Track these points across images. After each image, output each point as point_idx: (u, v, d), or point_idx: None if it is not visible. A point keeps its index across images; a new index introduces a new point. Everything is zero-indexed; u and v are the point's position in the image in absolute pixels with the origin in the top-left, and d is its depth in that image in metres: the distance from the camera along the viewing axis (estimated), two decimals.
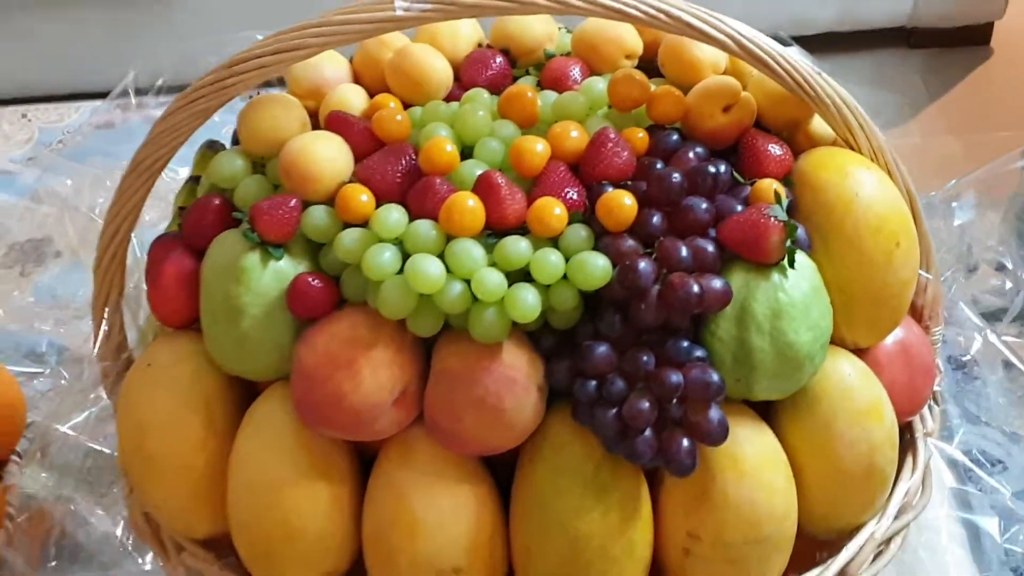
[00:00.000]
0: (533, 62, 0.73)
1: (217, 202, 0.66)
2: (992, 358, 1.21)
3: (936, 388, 0.74)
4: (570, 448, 0.62)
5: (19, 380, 0.93)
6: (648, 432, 0.60)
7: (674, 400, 0.60)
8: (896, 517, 0.69)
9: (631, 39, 0.72)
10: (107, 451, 0.90)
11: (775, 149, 0.66)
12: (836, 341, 0.66)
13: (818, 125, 0.69)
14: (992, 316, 1.51)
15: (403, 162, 0.64)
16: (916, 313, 0.72)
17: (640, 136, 0.65)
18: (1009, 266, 1.63)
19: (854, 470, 0.65)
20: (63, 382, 0.95)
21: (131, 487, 0.71)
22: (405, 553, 0.63)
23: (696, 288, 0.59)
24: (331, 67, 0.71)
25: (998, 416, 1.11)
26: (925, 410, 0.73)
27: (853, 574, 0.67)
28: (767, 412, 0.65)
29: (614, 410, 0.60)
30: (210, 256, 0.65)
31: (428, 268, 0.59)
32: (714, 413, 0.60)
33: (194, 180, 0.73)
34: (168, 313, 0.67)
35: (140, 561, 0.85)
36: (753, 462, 0.63)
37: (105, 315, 0.72)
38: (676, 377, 0.59)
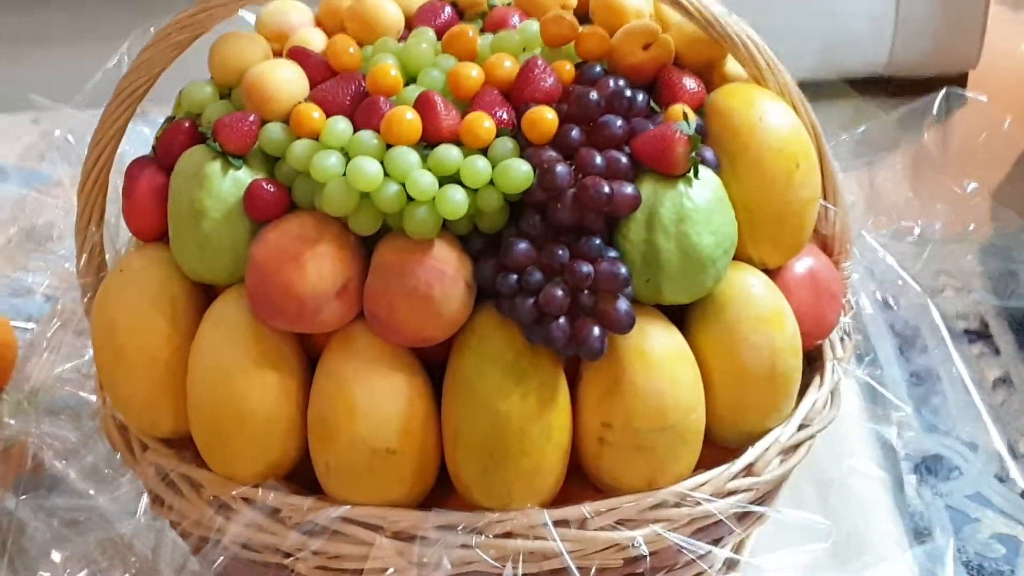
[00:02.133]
0: (479, 14, 0.81)
1: (187, 124, 0.74)
2: (953, 375, 1.27)
3: (847, 320, 0.80)
4: (494, 338, 0.69)
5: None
6: (562, 320, 0.67)
7: (585, 291, 0.67)
8: (801, 428, 0.75)
9: None
10: (93, 398, 0.97)
11: (689, 82, 0.73)
12: (744, 259, 0.73)
13: (732, 68, 0.76)
14: (955, 336, 1.57)
15: (352, 87, 0.72)
16: (827, 247, 0.79)
17: (568, 68, 0.72)
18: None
19: (757, 372, 0.72)
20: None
21: (104, 385, 0.77)
22: (343, 433, 0.69)
23: (607, 188, 0.66)
24: (296, 15, 0.79)
25: (956, 426, 1.18)
26: (836, 339, 0.80)
27: (759, 474, 0.73)
28: (678, 321, 0.72)
29: (532, 299, 0.67)
30: (178, 167, 0.72)
31: (367, 168, 0.66)
32: (622, 303, 0.67)
33: (170, 119, 0.81)
34: (141, 225, 0.75)
35: (116, 493, 0.92)
36: (660, 355, 0.69)
37: (87, 236, 0.79)
38: (587, 268, 0.66)
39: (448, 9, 0.79)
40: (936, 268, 1.83)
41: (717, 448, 0.74)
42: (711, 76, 0.76)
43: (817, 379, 0.77)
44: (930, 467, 1.08)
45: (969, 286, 1.79)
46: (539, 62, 0.71)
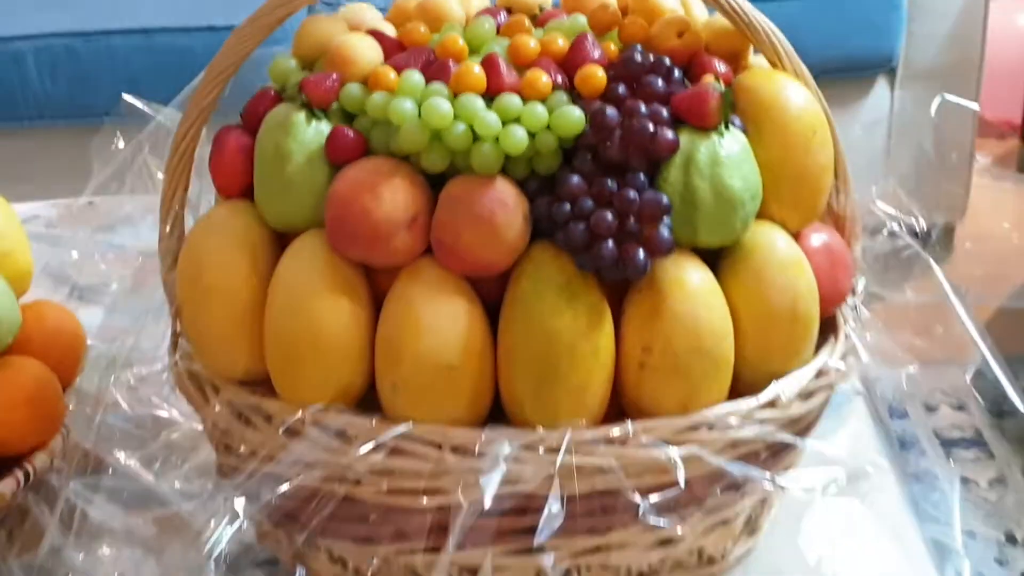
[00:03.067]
0: (531, 16, 0.91)
1: (273, 92, 0.83)
2: (951, 475, 1.35)
3: (858, 299, 0.89)
4: (548, 265, 0.77)
5: None
6: (610, 242, 0.75)
7: (631, 217, 0.75)
8: (819, 376, 0.82)
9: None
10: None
11: (719, 65, 0.83)
12: (767, 219, 0.81)
13: (753, 61, 0.86)
14: (950, 443, 1.66)
15: (424, 56, 0.82)
16: (838, 227, 0.87)
17: (612, 48, 0.83)
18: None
19: (781, 314, 0.79)
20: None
21: (186, 325, 0.84)
22: (409, 351, 0.76)
23: (651, 128, 0.75)
24: (369, 13, 0.90)
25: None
26: (849, 311, 0.88)
27: (782, 407, 0.80)
28: (710, 267, 0.80)
29: (583, 224, 0.75)
30: (266, 120, 0.81)
31: (441, 106, 0.76)
32: (663, 230, 0.75)
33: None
34: (227, 181, 0.83)
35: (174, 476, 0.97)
36: (696, 286, 0.77)
37: (171, 208, 0.88)
38: (633, 194, 0.75)
39: (504, 13, 0.90)
40: (932, 387, 1.92)
41: (744, 393, 0.81)
42: (736, 66, 0.86)
43: (832, 339, 0.85)
44: None
45: (963, 404, 1.87)
46: (589, 37, 0.81)
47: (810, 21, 1.98)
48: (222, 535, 0.80)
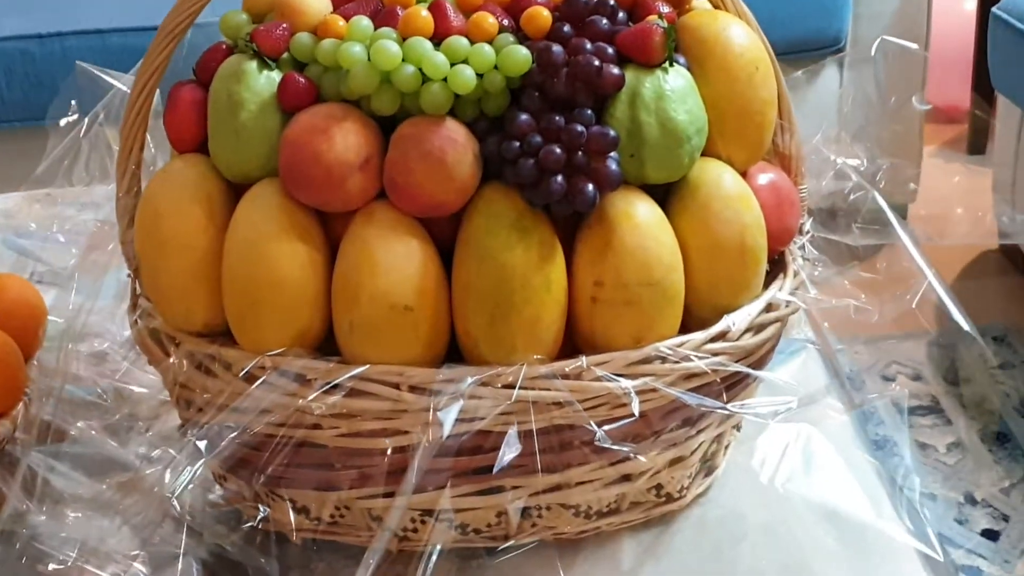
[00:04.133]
0: None
1: (224, 47, 0.84)
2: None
3: (805, 239, 0.90)
4: (499, 202, 0.78)
5: None
6: (559, 177, 0.76)
7: (579, 153, 0.76)
8: (768, 310, 0.84)
9: None
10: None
11: (662, 6, 0.84)
12: (713, 155, 0.83)
13: (698, 4, 0.88)
14: (908, 411, 1.67)
15: (372, 5, 0.83)
16: (784, 167, 0.89)
17: None
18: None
19: (729, 246, 0.81)
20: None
21: (144, 277, 0.85)
22: (366, 291, 0.77)
23: (597, 63, 0.77)
24: None
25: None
26: (797, 249, 0.89)
27: (731, 339, 0.81)
28: (659, 204, 0.81)
29: (532, 160, 0.76)
30: (220, 70, 0.82)
31: (389, 47, 0.77)
32: (611, 163, 0.77)
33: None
34: (181, 135, 0.84)
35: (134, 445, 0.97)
36: (645, 219, 0.79)
37: (127, 168, 0.88)
38: (581, 128, 0.76)
39: None
40: (889, 359, 1.94)
41: (696, 329, 0.82)
42: (679, 10, 0.87)
43: (781, 275, 0.87)
44: None
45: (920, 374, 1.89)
46: None
47: (759, 2, 2.00)
48: (181, 482, 0.81)
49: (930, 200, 2.36)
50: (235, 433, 0.78)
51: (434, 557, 0.76)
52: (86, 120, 1.05)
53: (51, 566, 0.87)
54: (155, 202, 0.83)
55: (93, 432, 0.99)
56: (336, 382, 0.77)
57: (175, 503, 0.89)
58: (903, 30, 2.20)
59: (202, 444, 0.78)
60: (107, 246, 1.01)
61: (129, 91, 0.91)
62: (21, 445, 0.94)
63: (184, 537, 0.87)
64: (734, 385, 0.83)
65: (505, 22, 0.81)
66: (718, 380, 0.80)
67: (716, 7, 0.85)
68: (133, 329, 0.89)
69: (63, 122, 1.06)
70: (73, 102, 1.04)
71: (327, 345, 0.81)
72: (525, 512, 0.83)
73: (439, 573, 0.80)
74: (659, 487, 0.86)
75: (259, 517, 0.84)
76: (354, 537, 0.85)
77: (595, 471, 0.82)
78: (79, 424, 0.99)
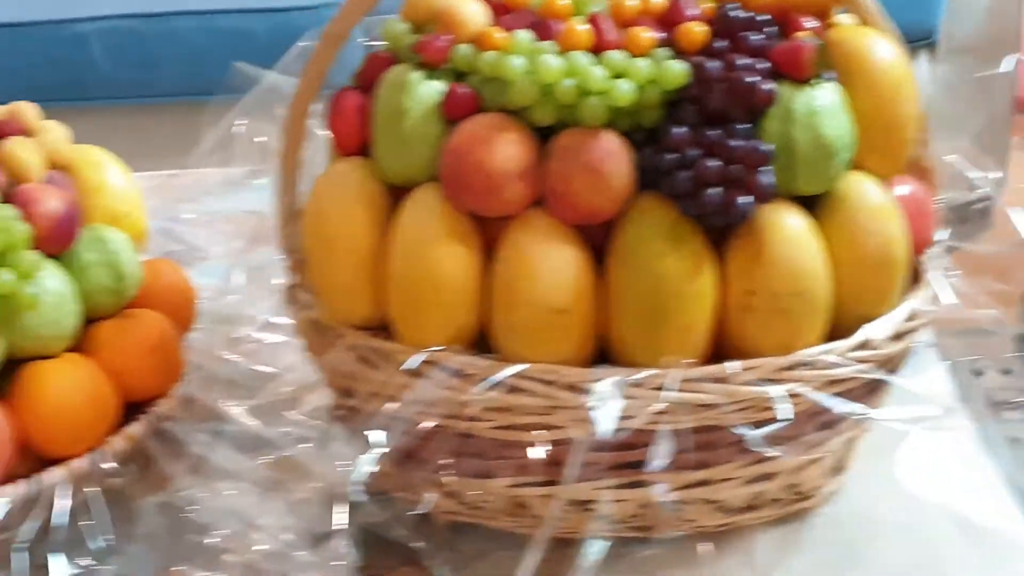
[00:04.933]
0: None
1: (387, 55, 0.88)
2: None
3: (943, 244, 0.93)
4: (653, 212, 0.81)
5: None
6: (715, 189, 0.79)
7: (735, 166, 0.79)
8: (909, 320, 0.87)
9: None
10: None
11: (809, 22, 0.87)
12: (859, 168, 0.86)
13: (841, 19, 0.90)
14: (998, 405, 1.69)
15: (529, 18, 0.86)
16: (921, 178, 0.91)
17: (709, 6, 0.87)
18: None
19: (875, 256, 0.84)
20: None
21: (312, 273, 0.89)
22: (524, 293, 0.81)
23: (752, 79, 0.80)
24: None
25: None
26: (932, 259, 0.92)
27: (874, 348, 0.84)
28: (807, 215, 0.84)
29: (689, 172, 0.79)
30: (384, 79, 0.86)
31: (551, 62, 0.80)
32: (765, 176, 0.80)
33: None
34: (345, 139, 0.88)
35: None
36: (794, 230, 0.82)
37: (287, 167, 0.92)
38: (736, 143, 0.79)
39: None
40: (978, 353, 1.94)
41: (838, 336, 0.85)
42: (823, 23, 0.90)
43: (918, 284, 0.89)
44: None
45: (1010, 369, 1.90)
46: None
47: None
48: (351, 471, 0.85)
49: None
50: (404, 424, 0.82)
51: (595, 546, 0.80)
52: (233, 110, 1.09)
53: (214, 538, 0.92)
54: (322, 203, 0.87)
55: (241, 411, 1.04)
56: (496, 379, 0.81)
57: (328, 482, 0.94)
58: (995, 23, 2.20)
59: (375, 434, 0.82)
60: (247, 233, 1.06)
61: (270, 85, 0.95)
62: (180, 423, 0.99)
63: (336, 515, 0.92)
64: (872, 391, 0.85)
65: (659, 35, 0.84)
66: (859, 386, 0.83)
67: (861, 23, 0.87)
68: (293, 318, 0.93)
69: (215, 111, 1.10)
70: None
71: (478, 340, 0.85)
72: (668, 506, 0.86)
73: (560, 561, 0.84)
74: (794, 485, 0.89)
75: (418, 503, 0.87)
76: (499, 521, 0.89)
77: (737, 469, 0.85)
78: (230, 403, 1.04)
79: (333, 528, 0.91)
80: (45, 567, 0.89)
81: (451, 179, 0.82)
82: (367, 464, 0.83)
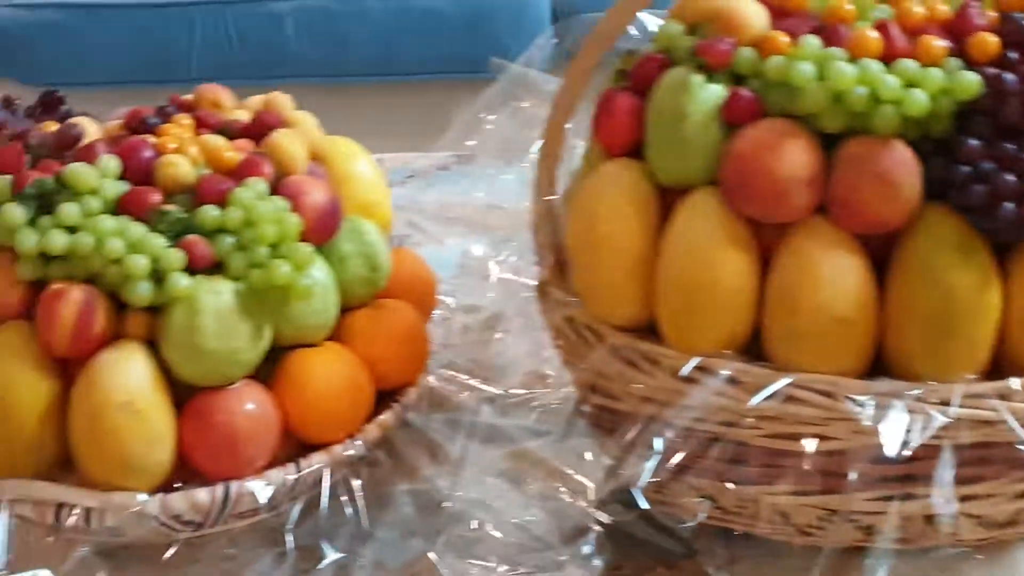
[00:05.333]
0: None
1: (660, 56, 0.88)
2: None
3: None
4: (942, 224, 0.80)
5: None
6: (1011, 204, 0.78)
7: None
8: None
9: None
10: None
11: None
12: None
13: None
14: None
15: (812, 22, 0.85)
16: None
17: (994, 15, 0.85)
18: None
19: None
20: None
21: (577, 272, 0.89)
22: (807, 301, 0.80)
23: None
24: None
25: None
26: None
27: None
28: None
29: (983, 186, 0.78)
30: (663, 82, 0.85)
31: (844, 69, 0.79)
32: None
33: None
34: (616, 139, 0.88)
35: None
36: None
37: (546, 164, 0.93)
38: None
39: None
40: None
41: None
42: None
43: None
44: None
45: None
46: (973, 4, 0.84)
47: None
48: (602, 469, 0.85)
49: None
50: (675, 430, 0.82)
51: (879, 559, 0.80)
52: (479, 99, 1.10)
53: (464, 528, 0.93)
54: (592, 204, 0.87)
55: (479, 402, 1.05)
56: (773, 388, 0.81)
57: (576, 478, 0.95)
58: None
59: (654, 440, 0.82)
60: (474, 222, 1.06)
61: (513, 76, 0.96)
62: (421, 413, 1.00)
63: (589, 512, 0.93)
64: None
65: (949, 44, 0.82)
66: None
67: None
68: (546, 316, 0.94)
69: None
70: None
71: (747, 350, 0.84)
72: (929, 518, 0.86)
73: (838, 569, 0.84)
74: None
75: (677, 507, 0.87)
76: (756, 527, 0.89)
77: (1006, 485, 0.84)
78: (466, 394, 1.05)
79: (586, 525, 0.92)
80: (306, 549, 0.91)
81: (735, 184, 0.82)
82: (642, 469, 0.83)
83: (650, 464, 0.83)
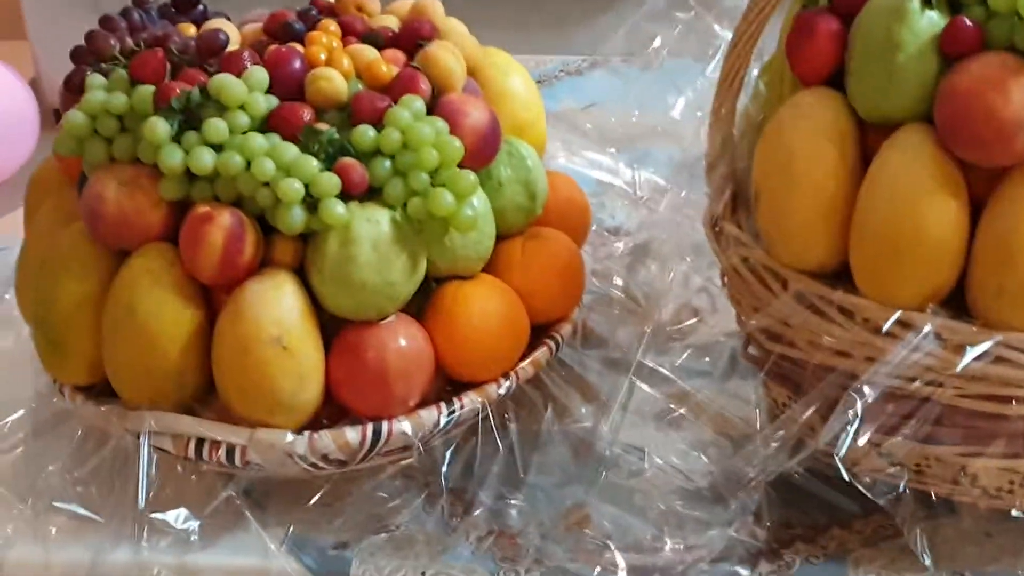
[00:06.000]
0: None
1: None
2: None
3: None
4: None
5: None
6: None
7: None
8: None
9: None
10: None
11: None
12: None
13: None
14: None
15: None
16: None
17: None
18: None
19: None
20: None
21: (766, 211, 0.82)
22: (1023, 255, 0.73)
23: None
24: None
25: None
26: None
27: None
28: None
29: None
30: (871, 5, 0.78)
31: None
32: None
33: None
34: (813, 66, 0.80)
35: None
36: None
37: (731, 90, 0.85)
38: None
39: None
40: None
41: None
42: None
43: None
44: None
45: None
46: None
47: None
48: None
49: None
50: (870, 387, 0.76)
51: None
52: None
53: (619, 475, 0.88)
54: (788, 139, 0.80)
55: (633, 340, 0.98)
56: (981, 348, 0.74)
57: (741, 425, 0.89)
58: None
59: (857, 402, 0.76)
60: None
61: None
62: (573, 349, 0.95)
63: (751, 461, 0.86)
64: None
65: None
66: None
67: None
68: (721, 255, 0.87)
69: None
70: None
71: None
72: None
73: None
74: None
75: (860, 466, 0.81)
76: (939, 487, 0.83)
77: None
78: (619, 331, 0.99)
79: (751, 477, 0.86)
80: (456, 493, 0.87)
81: (953, 124, 0.75)
82: (838, 431, 0.77)
83: (851, 428, 0.76)
